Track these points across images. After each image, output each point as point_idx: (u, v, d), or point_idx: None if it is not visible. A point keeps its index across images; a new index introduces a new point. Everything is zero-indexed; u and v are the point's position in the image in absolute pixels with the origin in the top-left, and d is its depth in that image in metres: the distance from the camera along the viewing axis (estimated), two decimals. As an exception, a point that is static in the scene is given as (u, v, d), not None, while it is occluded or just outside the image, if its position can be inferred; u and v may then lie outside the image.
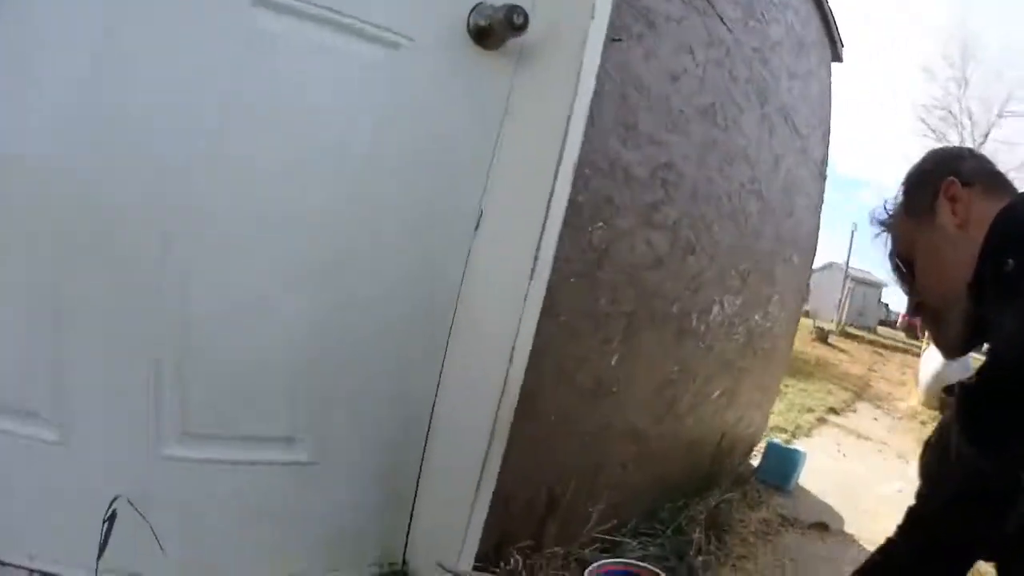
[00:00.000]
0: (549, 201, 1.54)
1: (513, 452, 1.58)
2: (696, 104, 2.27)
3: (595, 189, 1.71)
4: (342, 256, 1.48)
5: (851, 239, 25.78)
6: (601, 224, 1.76)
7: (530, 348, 1.55)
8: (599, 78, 1.63)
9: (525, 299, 1.54)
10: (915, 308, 1.13)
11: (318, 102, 1.40)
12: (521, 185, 1.59)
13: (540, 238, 1.54)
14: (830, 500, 3.92)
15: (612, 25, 1.79)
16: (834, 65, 5.87)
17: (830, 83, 5.24)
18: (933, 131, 26.69)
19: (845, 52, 6.16)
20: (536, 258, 1.53)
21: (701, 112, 2.32)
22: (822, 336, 16.75)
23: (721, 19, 2.73)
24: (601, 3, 1.53)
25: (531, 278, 1.53)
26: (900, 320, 32.21)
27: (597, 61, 1.56)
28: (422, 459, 1.69)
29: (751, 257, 2.88)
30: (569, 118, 1.53)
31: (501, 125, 1.60)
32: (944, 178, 1.05)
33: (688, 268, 2.26)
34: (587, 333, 1.85)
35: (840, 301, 25.18)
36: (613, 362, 2.00)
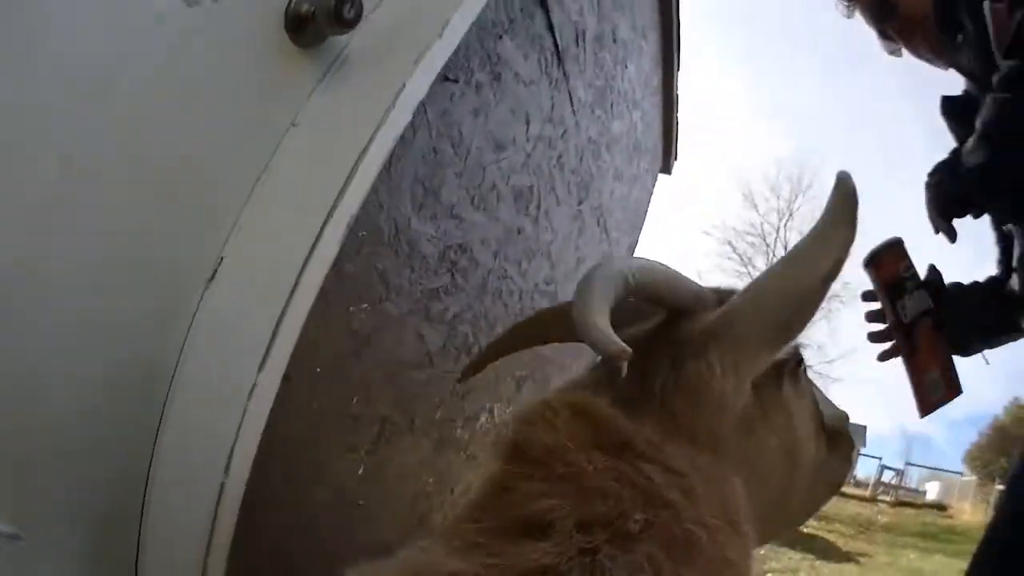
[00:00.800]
0: (305, 261, 1.25)
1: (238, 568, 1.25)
2: (514, 184, 2.15)
3: (369, 259, 1.46)
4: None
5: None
6: (367, 306, 1.51)
7: (254, 453, 1.22)
8: (415, 121, 1.42)
9: (251, 392, 1.21)
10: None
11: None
12: (278, 230, 1.28)
13: (283, 310, 1.23)
14: None
15: (454, 63, 1.59)
16: (660, 175, 6.36)
17: (651, 192, 5.58)
18: (740, 255, 29.72)
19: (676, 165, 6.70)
20: (274, 335, 1.21)
21: (516, 194, 2.20)
22: None
23: (570, 97, 2.70)
24: (457, 23, 1.31)
25: (261, 368, 1.20)
26: None
27: (422, 93, 1.33)
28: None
29: (530, 363, 2.78)
30: (363, 152, 1.26)
31: (282, 139, 1.29)
32: None
33: (458, 369, 2.07)
34: (331, 438, 1.57)
35: None
36: (360, 472, 1.73)
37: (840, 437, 0.92)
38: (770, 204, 31.63)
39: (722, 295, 0.78)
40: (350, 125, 1.32)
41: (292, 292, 1.22)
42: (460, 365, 2.07)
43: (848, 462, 0.95)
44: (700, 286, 0.81)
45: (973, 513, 18.04)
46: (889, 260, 1.31)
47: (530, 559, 0.50)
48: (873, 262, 1.33)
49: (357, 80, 1.34)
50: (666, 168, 6.50)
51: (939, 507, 20.58)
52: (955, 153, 1.19)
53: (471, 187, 1.85)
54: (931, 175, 1.23)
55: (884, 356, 1.36)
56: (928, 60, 1.34)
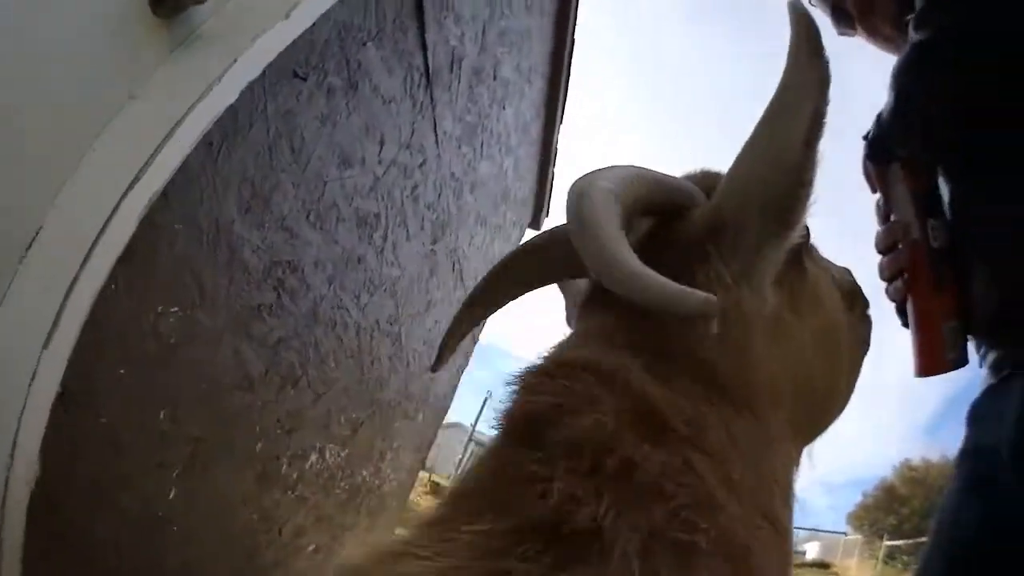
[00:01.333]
0: (97, 236, 1.17)
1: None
2: (358, 207, 2.13)
3: (181, 257, 1.39)
4: None
5: (483, 405, 28.11)
6: (177, 310, 1.43)
7: (39, 440, 1.12)
8: (252, 112, 1.38)
9: (33, 376, 1.12)
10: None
11: None
12: (84, 207, 1.20)
13: (68, 292, 1.15)
14: None
15: (306, 60, 1.57)
16: (529, 231, 6.47)
17: (517, 244, 5.69)
18: None
19: (547, 221, 6.84)
20: (59, 314, 1.13)
21: (360, 219, 2.18)
22: (437, 491, 17.70)
23: (435, 125, 2.72)
24: (308, 8, 1.30)
25: (44, 345, 1.12)
26: None
27: (254, 73, 1.30)
28: None
29: (369, 405, 2.71)
30: (176, 125, 1.21)
31: (118, 111, 1.21)
32: None
33: (286, 401, 1.98)
34: (137, 450, 1.45)
35: (461, 461, 27.30)
36: (171, 495, 1.61)
37: (854, 295, 0.87)
38: None
39: (709, 181, 0.70)
40: (174, 98, 1.28)
41: (78, 274, 1.15)
42: (285, 397, 1.99)
43: (867, 319, 0.91)
44: (686, 181, 0.71)
45: (859, 569, 20.07)
46: (921, 169, 1.12)
47: None
48: (902, 162, 1.13)
49: (199, 54, 1.31)
50: (535, 223, 6.61)
51: (821, 565, 21.99)
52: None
53: (308, 201, 1.81)
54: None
55: (896, 294, 1.14)
56: (884, 41, 1.34)
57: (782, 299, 0.66)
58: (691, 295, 0.51)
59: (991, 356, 1.07)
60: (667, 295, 0.51)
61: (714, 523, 0.46)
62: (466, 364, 4.62)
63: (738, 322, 0.59)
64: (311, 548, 2.70)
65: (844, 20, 1.36)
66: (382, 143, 2.23)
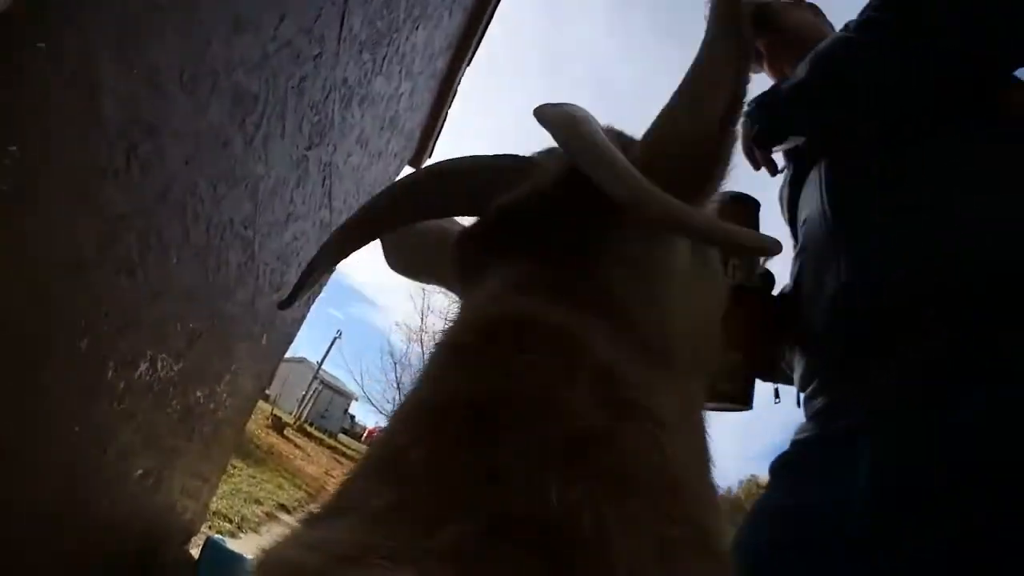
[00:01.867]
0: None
1: None
2: (239, 81, 1.92)
3: (32, 80, 1.13)
4: None
5: (331, 345, 27.84)
6: (15, 149, 1.17)
7: None
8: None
9: None
10: None
11: None
12: None
13: None
14: None
15: None
16: (408, 168, 6.20)
17: (390, 182, 5.42)
18: None
19: (428, 162, 6.60)
20: None
21: (238, 96, 1.97)
22: (278, 425, 17.15)
23: (343, 18, 2.49)
24: None
25: None
26: (367, 435, 35.26)
27: None
28: None
29: (210, 316, 2.45)
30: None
31: None
32: None
33: (118, 294, 1.72)
34: None
35: (304, 397, 26.86)
36: None
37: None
38: None
39: (623, 140, 0.62)
40: None
41: None
42: (117, 289, 1.73)
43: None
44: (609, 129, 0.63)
45: None
46: (738, 210, 1.13)
47: None
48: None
49: None
50: (417, 160, 6.39)
51: None
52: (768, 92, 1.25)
53: (187, 58, 1.58)
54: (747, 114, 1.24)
55: None
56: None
57: (693, 260, 0.62)
58: (758, 237, 0.47)
59: (820, 401, 1.05)
60: (710, 225, 0.47)
61: (686, 511, 0.40)
62: (319, 293, 4.38)
63: (658, 274, 0.56)
64: (139, 473, 2.44)
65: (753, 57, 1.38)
66: (282, 17, 1.98)
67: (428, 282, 0.84)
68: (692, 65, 0.56)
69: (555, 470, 0.37)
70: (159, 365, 2.19)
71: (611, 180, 0.47)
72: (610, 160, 0.48)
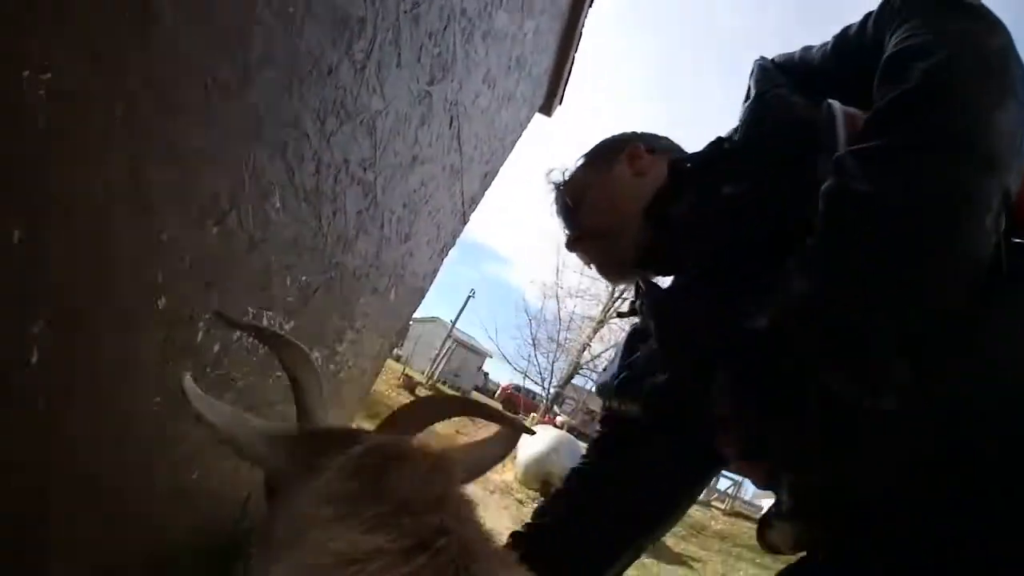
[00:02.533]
0: None
1: None
2: (339, 2, 1.58)
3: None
4: None
5: (465, 303, 28.25)
6: (50, 77, 0.93)
7: None
8: None
9: None
10: (575, 240, 1.38)
11: None
12: None
13: None
14: None
15: None
16: (538, 116, 5.86)
17: (523, 128, 5.08)
18: None
19: (558, 110, 6.22)
20: None
21: (340, 18, 1.69)
22: (410, 385, 17.51)
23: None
24: None
25: None
26: (500, 391, 35.96)
27: None
28: None
29: (327, 269, 2.21)
30: None
31: None
32: (631, 143, 1.35)
33: (204, 241, 1.49)
34: None
35: (437, 356, 27.45)
36: (34, 359, 1.15)
37: None
38: None
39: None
40: None
41: None
42: (203, 236, 1.49)
43: None
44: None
45: None
46: None
47: None
48: None
49: None
50: (547, 108, 6.01)
51: None
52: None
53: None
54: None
55: None
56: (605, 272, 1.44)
57: None
58: None
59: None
60: None
61: None
62: (452, 244, 4.13)
63: None
64: None
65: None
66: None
67: None
68: None
69: None
70: (264, 323, 1.96)
71: None
72: None
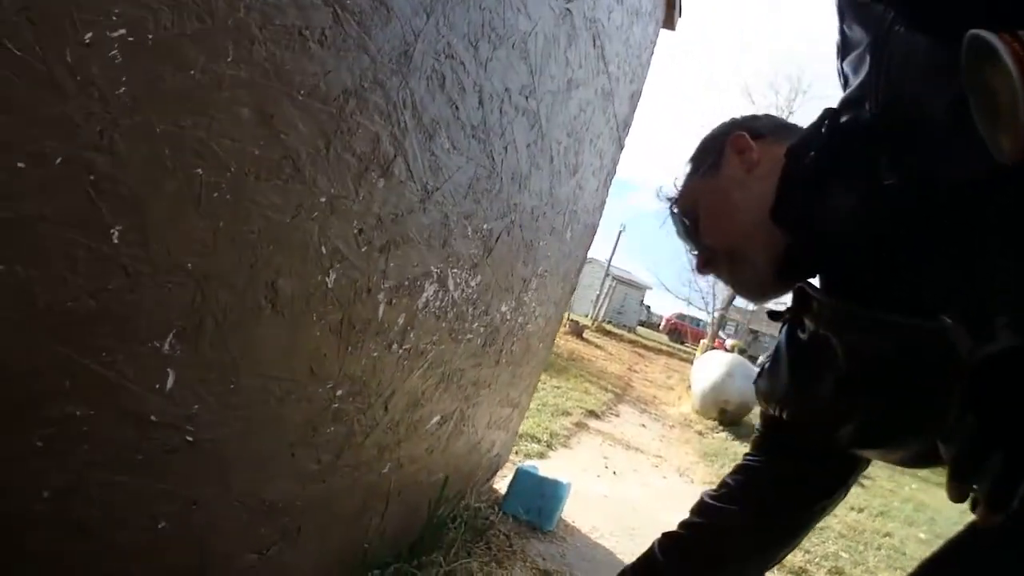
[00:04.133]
0: None
1: None
2: None
3: None
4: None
5: (617, 239, 27.62)
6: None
7: None
8: None
9: None
10: (705, 262, 1.18)
11: None
12: None
13: None
14: (607, 543, 3.37)
15: None
16: (663, 32, 5.37)
17: (654, 44, 4.63)
18: None
19: (680, 22, 5.70)
20: None
21: None
22: (577, 330, 17.18)
23: None
24: None
25: None
26: (664, 323, 35.54)
27: None
28: None
29: (505, 212, 1.93)
30: None
31: None
32: (733, 134, 1.13)
33: (372, 196, 1.23)
34: (83, 275, 0.77)
35: (599, 297, 27.18)
36: (170, 379, 0.96)
37: None
38: (768, 100, 31.33)
39: None
40: None
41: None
42: (370, 190, 1.22)
43: None
44: None
45: None
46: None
47: None
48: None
49: None
50: (669, 22, 5.50)
51: None
52: None
53: None
54: None
55: None
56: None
57: None
58: None
59: None
60: None
61: None
62: (614, 172, 3.78)
63: None
64: (435, 420, 2.03)
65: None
66: None
67: None
68: None
69: None
70: (450, 283, 1.70)
71: None
72: None
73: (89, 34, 0.68)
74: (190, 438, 1.01)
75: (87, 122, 0.71)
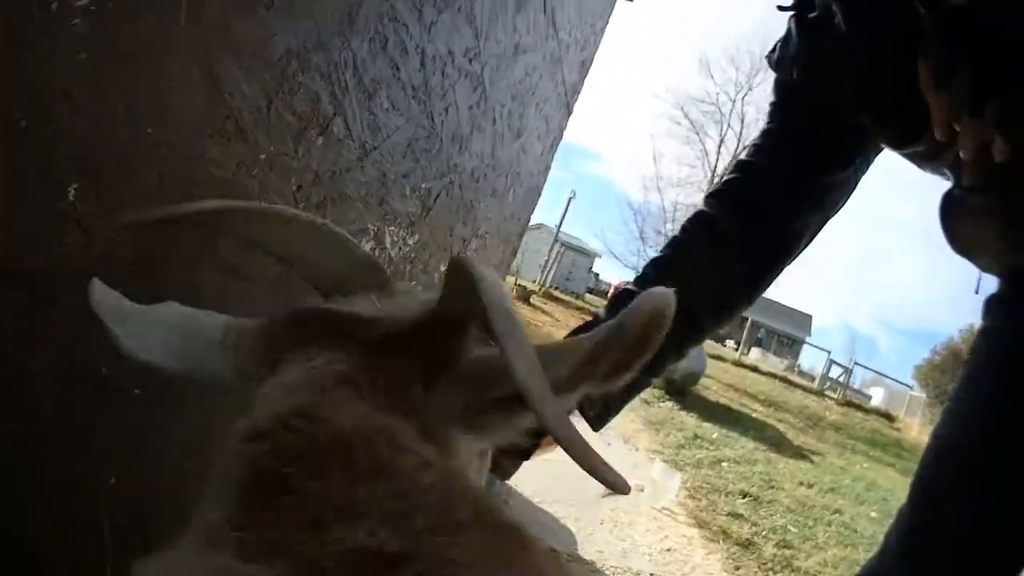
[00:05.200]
0: None
1: None
2: None
3: None
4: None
5: (567, 205, 27.62)
6: None
7: None
8: None
9: None
10: None
11: None
12: None
13: None
14: (551, 508, 3.56)
15: None
16: (622, 3, 5.40)
17: (609, 13, 4.67)
18: (691, 122, 29.38)
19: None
20: None
21: None
22: (523, 295, 17.32)
23: None
24: None
25: None
26: (612, 291, 36.08)
27: None
28: None
29: (444, 172, 2.00)
30: None
31: None
32: None
33: (311, 154, 1.30)
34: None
35: (547, 263, 27.16)
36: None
37: None
38: (728, 75, 31.50)
39: None
40: None
41: None
42: (308, 148, 1.29)
43: None
44: None
45: (921, 431, 18.10)
46: None
47: None
48: None
49: None
50: (629, -16, 5.54)
51: (887, 416, 21.14)
52: None
53: None
54: None
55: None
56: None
57: None
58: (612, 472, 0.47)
59: None
60: (597, 466, 0.47)
61: None
62: (560, 137, 3.85)
63: None
64: None
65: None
66: None
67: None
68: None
69: None
70: (387, 241, 1.77)
71: (528, 384, 0.43)
72: (531, 359, 0.45)
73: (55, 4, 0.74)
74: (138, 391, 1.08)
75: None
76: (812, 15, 1.29)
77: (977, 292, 1.30)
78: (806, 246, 1.48)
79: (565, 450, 0.43)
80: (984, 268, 1.28)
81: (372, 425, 0.47)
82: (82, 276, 0.71)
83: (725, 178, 1.50)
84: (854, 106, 1.27)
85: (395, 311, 0.61)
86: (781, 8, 1.37)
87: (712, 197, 1.50)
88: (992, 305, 1.26)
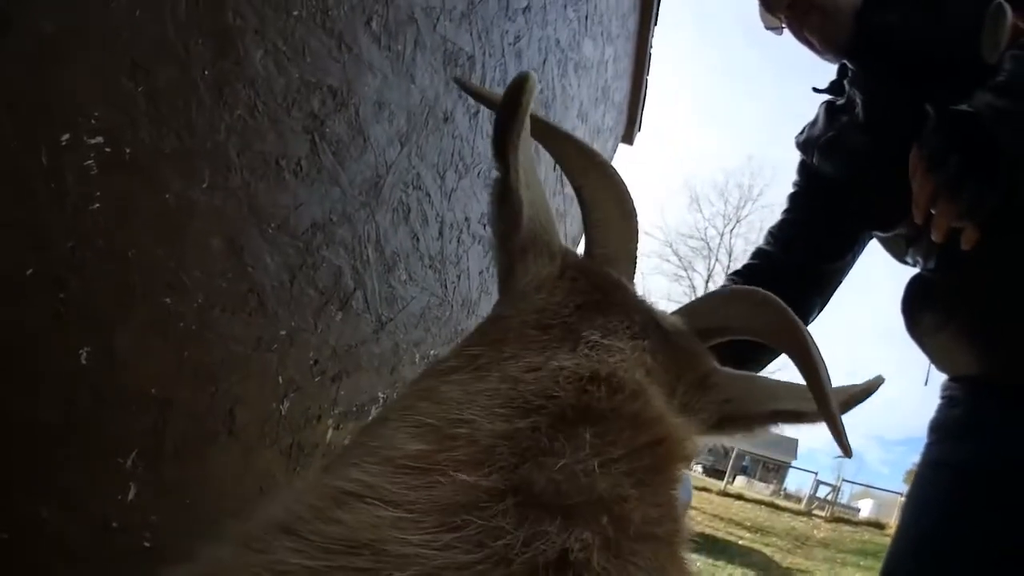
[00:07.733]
0: None
1: None
2: (446, 35, 1.45)
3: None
4: None
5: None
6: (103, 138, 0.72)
7: None
8: None
9: None
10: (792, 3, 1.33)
11: None
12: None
13: None
14: None
15: None
16: (621, 146, 5.61)
17: (611, 159, 4.84)
18: (680, 257, 30.20)
19: (639, 137, 5.95)
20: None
21: (449, 55, 1.50)
22: None
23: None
24: None
25: None
26: None
27: None
28: None
29: (452, 338, 1.97)
30: None
31: None
32: None
33: (329, 329, 1.26)
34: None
35: None
36: (131, 495, 0.97)
37: None
38: (716, 209, 32.78)
39: None
40: None
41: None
42: (327, 323, 1.24)
43: None
44: None
45: None
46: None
47: None
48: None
49: None
50: (628, 137, 5.77)
51: (876, 525, 20.73)
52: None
53: (371, 5, 1.06)
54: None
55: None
56: (812, 44, 1.36)
57: None
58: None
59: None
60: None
61: None
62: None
63: None
64: None
65: (773, 14, 1.37)
66: None
67: None
68: None
69: None
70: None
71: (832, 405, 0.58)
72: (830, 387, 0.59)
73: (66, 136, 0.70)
74: (148, 544, 0.98)
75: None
76: (840, 102, 1.42)
77: (926, 384, 1.36)
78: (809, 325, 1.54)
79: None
80: (933, 359, 1.33)
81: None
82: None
83: (746, 263, 1.58)
84: (857, 186, 1.37)
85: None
86: (816, 90, 1.50)
87: (735, 275, 1.58)
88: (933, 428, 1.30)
